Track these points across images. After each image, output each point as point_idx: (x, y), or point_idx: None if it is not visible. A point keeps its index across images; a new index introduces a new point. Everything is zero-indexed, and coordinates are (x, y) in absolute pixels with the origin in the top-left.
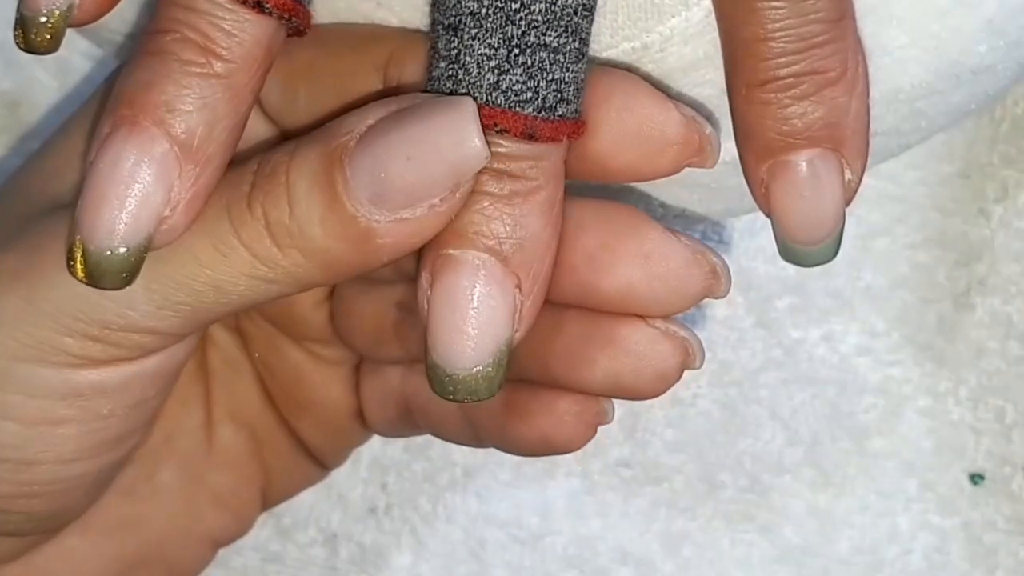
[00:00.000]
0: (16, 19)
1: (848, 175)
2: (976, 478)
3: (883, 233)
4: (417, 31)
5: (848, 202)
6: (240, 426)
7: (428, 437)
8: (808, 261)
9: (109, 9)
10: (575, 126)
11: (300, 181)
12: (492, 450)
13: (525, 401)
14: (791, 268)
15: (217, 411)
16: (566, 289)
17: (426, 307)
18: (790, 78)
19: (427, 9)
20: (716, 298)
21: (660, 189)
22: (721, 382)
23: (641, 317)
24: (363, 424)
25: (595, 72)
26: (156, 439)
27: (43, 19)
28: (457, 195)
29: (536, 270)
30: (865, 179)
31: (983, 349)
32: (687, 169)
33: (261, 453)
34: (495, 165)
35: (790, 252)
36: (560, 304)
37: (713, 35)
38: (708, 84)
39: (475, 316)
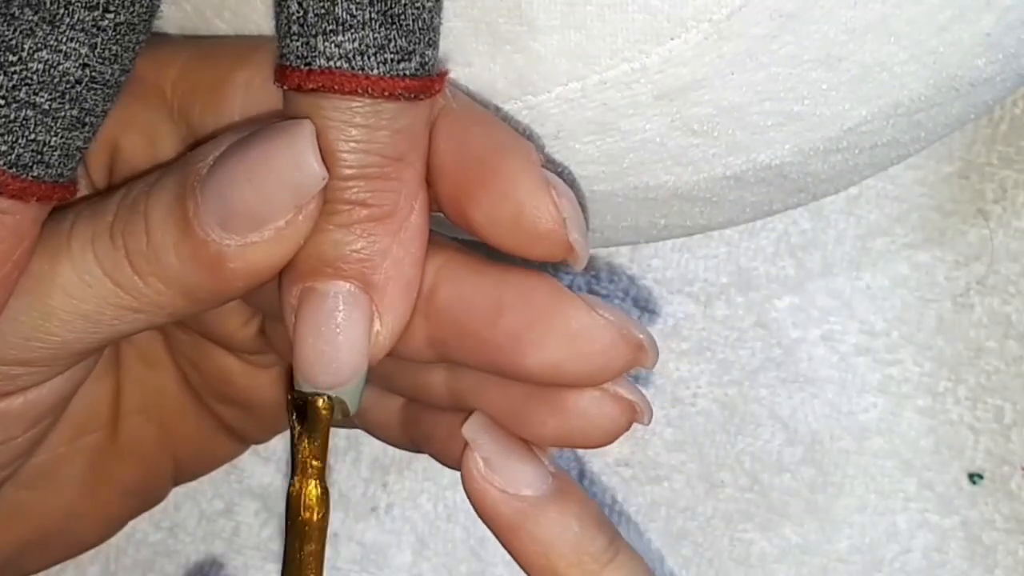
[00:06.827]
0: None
1: (377, 326)
2: (975, 477)
3: (883, 233)
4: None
5: (374, 358)
6: (149, 418)
7: None
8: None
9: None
10: (52, 190)
11: (157, 209)
12: None
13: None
14: (791, 268)
15: (126, 405)
16: (492, 366)
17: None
18: (339, 204)
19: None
20: (646, 368)
21: (662, 203)
22: (721, 382)
23: None
24: None
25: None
26: (58, 439)
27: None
28: (300, 218)
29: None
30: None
31: (982, 349)
32: (689, 183)
33: (171, 442)
34: None
35: (302, 394)
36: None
37: (711, 56)
38: (706, 104)
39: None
